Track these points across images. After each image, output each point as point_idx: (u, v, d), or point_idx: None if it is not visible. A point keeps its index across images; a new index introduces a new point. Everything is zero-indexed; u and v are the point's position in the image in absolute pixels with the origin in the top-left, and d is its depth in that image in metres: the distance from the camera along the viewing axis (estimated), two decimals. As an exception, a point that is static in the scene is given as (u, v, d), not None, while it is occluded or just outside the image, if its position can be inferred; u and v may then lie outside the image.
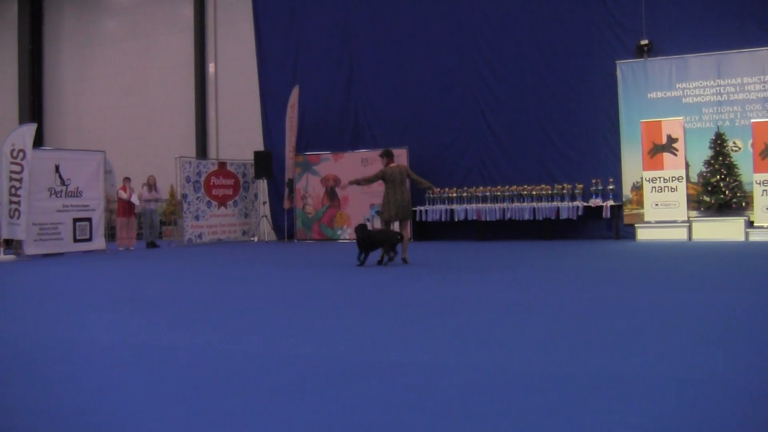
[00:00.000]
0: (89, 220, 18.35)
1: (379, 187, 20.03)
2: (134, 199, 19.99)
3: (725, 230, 16.83)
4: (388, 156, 13.53)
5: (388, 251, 12.60)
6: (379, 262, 12.71)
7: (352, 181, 14.00)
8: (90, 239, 18.36)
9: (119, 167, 22.53)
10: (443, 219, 19.69)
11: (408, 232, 13.56)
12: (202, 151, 25.18)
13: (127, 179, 20.09)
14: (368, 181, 13.70)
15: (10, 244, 17.32)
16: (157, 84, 26.58)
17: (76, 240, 18.10)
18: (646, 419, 3.73)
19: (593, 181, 18.44)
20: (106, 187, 19.36)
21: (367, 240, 12.58)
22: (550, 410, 3.94)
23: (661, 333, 6.02)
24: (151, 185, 20.70)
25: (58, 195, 17.80)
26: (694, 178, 17.86)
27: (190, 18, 25.68)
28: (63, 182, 17.90)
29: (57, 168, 17.87)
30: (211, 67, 25.54)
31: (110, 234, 20.44)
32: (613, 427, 3.64)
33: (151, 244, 20.49)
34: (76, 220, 18.08)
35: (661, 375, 4.62)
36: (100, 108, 27.65)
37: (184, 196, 20.94)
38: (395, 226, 13.48)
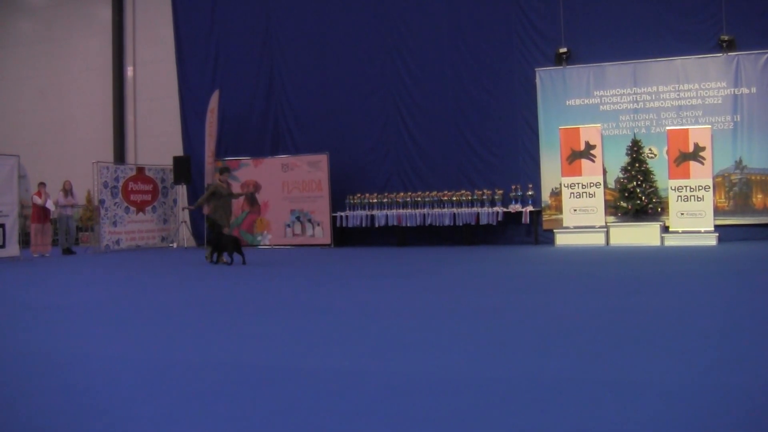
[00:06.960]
0: (2, 226, 17.74)
1: (301, 193, 20.13)
2: (49, 205, 19.50)
3: (641, 235, 17.17)
4: (225, 172, 15.66)
5: (231, 252, 14.49)
6: (217, 262, 14.82)
7: (195, 206, 16.60)
8: (3, 246, 17.76)
9: (34, 172, 21.94)
10: (364, 224, 19.69)
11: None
12: (119, 155, 24.72)
13: (42, 184, 19.59)
14: (206, 200, 15.30)
15: None
16: (74, 87, 26.01)
17: (-12, 247, 17.60)
18: (568, 421, 3.75)
19: (513, 186, 18.66)
20: (20, 193, 18.75)
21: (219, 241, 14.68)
22: (469, 413, 3.94)
23: (577, 336, 6.08)
24: (67, 190, 20.25)
25: (-31, 200, 17.28)
26: (611, 184, 18.19)
27: (107, 20, 25.18)
28: (-26, 187, 17.37)
29: (-32, 173, 17.34)
30: (129, 71, 25.09)
31: (24, 240, 19.88)
32: (530, 429, 3.66)
33: (67, 251, 20.04)
34: (-12, 226, 17.57)
35: (579, 377, 4.66)
36: (14, 111, 26.91)
37: (101, 201, 20.56)
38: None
